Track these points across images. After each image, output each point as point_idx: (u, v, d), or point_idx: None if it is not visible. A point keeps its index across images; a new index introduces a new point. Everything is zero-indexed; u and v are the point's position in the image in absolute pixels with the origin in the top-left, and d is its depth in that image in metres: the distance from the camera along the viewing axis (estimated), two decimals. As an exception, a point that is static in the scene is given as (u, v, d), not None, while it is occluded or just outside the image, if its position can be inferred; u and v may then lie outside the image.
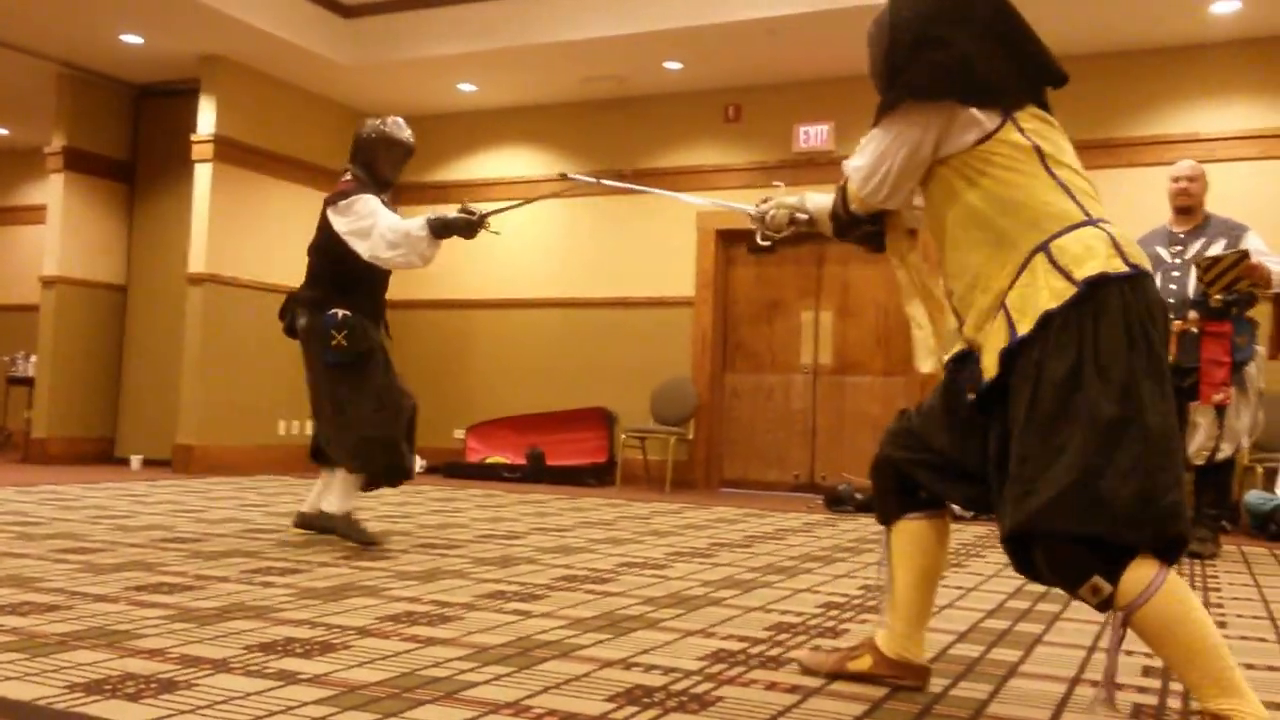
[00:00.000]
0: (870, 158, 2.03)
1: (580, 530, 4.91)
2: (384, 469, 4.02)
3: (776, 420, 8.05)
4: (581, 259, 8.69)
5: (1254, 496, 5.68)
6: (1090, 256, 1.78)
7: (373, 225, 4.02)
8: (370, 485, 4.15)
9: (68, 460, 8.34)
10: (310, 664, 2.21)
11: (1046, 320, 1.77)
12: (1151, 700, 2.18)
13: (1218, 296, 4.53)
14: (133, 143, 8.93)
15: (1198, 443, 4.61)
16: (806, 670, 2.32)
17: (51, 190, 8.56)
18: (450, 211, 4.13)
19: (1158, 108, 7.08)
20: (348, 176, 4.27)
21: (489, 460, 8.46)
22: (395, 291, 9.68)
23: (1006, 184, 1.88)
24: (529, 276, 8.87)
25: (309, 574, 3.37)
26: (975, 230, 1.91)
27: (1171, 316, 4.69)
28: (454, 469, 8.40)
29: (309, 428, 8.64)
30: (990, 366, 1.85)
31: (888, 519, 2.18)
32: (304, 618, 2.69)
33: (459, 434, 8.84)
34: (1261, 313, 4.78)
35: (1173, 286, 4.70)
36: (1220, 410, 4.58)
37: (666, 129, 8.46)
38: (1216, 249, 4.59)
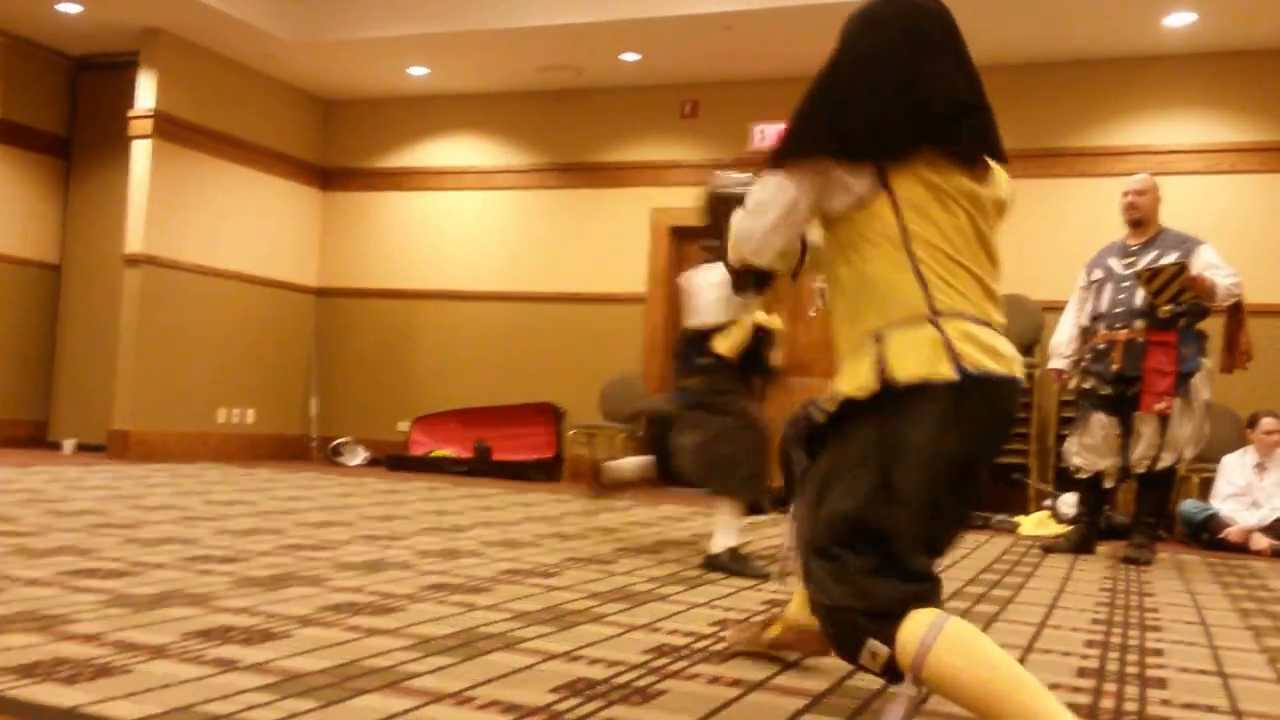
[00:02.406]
0: (743, 216, 1.92)
1: (526, 525, 4.90)
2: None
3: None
4: (533, 253, 8.64)
5: (1189, 505, 5.82)
6: (908, 356, 1.71)
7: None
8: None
9: (-2, 443, 8.12)
10: (250, 651, 2.18)
11: (850, 403, 1.74)
12: (1086, 700, 2.22)
13: (1166, 308, 4.63)
14: (70, 117, 8.69)
15: (1139, 451, 4.71)
16: (732, 646, 2.42)
17: (-15, 164, 8.32)
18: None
19: (1111, 119, 7.20)
20: None
21: (434, 453, 8.39)
22: (334, 279, 9.62)
23: (866, 259, 1.77)
24: (478, 268, 8.80)
25: (248, 562, 3.32)
26: (840, 300, 1.85)
27: (1118, 326, 4.80)
28: (397, 461, 8.32)
29: (249, 416, 8.64)
30: (819, 414, 1.82)
31: (789, 500, 2.20)
32: (244, 605, 2.65)
33: (403, 426, 8.75)
34: (1216, 325, 4.87)
35: (1122, 297, 4.80)
36: (1163, 420, 4.69)
37: (622, 122, 8.44)
38: (1167, 262, 4.68)
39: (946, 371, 1.68)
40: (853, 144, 1.75)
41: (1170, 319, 4.66)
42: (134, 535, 3.78)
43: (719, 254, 3.16)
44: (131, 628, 2.33)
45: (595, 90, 8.50)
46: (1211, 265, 4.67)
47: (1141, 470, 4.69)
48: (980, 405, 1.72)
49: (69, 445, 8.04)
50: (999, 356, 1.74)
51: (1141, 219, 4.92)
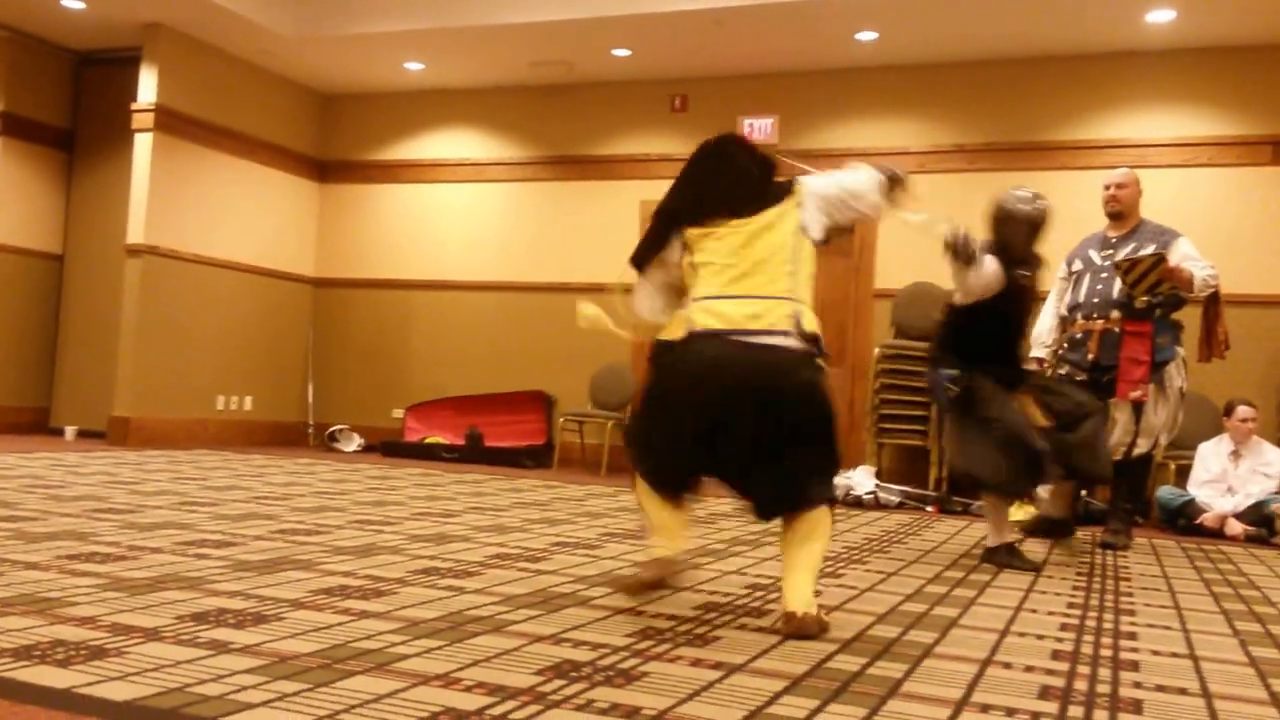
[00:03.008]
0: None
1: (516, 510, 4.96)
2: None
3: (714, 407, 8.15)
4: (525, 244, 8.70)
5: (1165, 492, 5.90)
6: (673, 326, 2.77)
7: None
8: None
9: (2, 429, 8.17)
10: (242, 634, 2.23)
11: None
12: (1059, 683, 2.28)
13: (1143, 298, 4.69)
14: (73, 110, 8.76)
15: (1114, 438, 4.77)
16: (618, 590, 2.88)
17: (-11, 156, 8.37)
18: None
19: (1092, 113, 7.28)
20: None
21: (427, 440, 8.46)
22: (331, 270, 9.68)
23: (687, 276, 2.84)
24: (470, 259, 8.86)
25: (243, 547, 3.38)
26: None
27: (1095, 316, 4.86)
28: (391, 448, 8.38)
29: (248, 403, 8.70)
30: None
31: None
32: (237, 589, 2.71)
33: (397, 413, 8.82)
34: (1191, 316, 4.94)
35: (1099, 287, 4.85)
36: (1138, 407, 4.75)
37: (613, 116, 8.49)
38: (1146, 253, 4.74)
39: (677, 334, 2.73)
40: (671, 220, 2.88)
41: (1147, 309, 4.72)
42: (132, 520, 3.84)
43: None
44: (127, 611, 2.39)
45: (587, 85, 8.54)
46: (1189, 257, 4.73)
47: (1118, 457, 4.76)
48: (698, 350, 2.65)
49: (70, 432, 8.11)
50: (723, 317, 2.66)
51: (1122, 211, 4.97)
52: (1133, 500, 4.99)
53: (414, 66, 8.50)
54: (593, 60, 8.05)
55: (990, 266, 3.87)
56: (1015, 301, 4.05)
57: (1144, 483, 5.15)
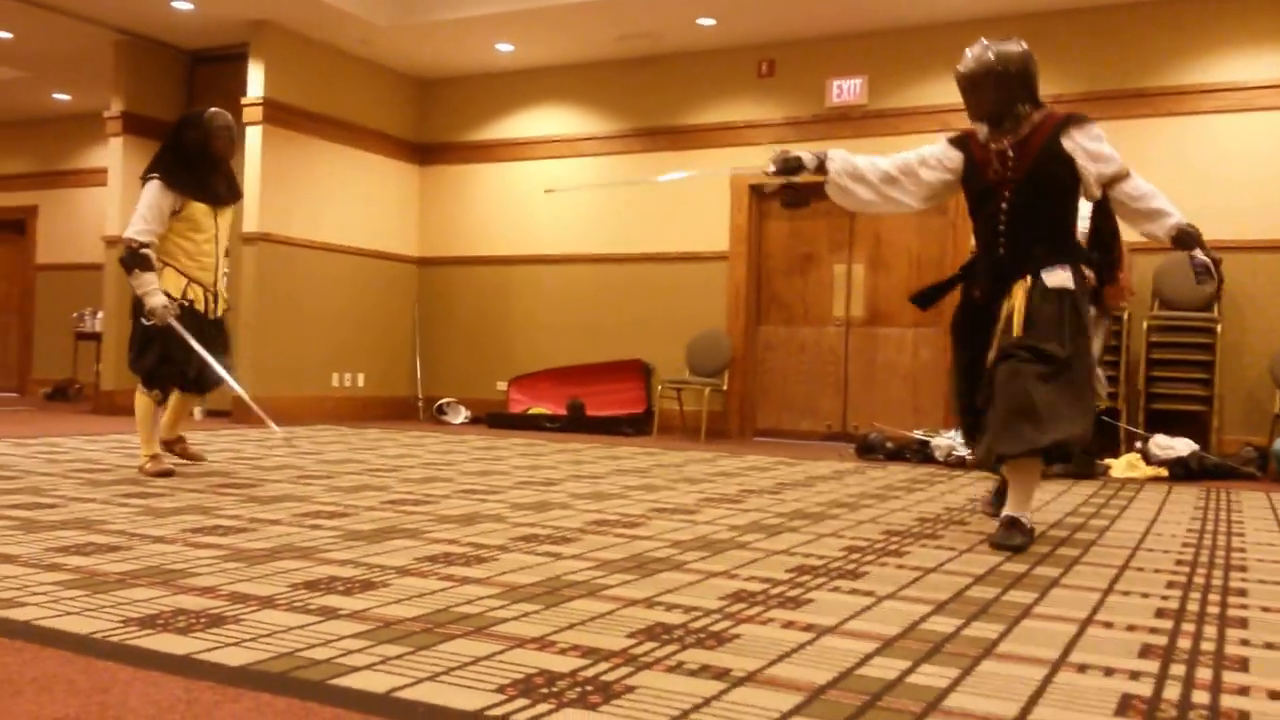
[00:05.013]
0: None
1: (615, 478, 5.04)
2: None
3: (809, 371, 8.12)
4: (617, 216, 8.76)
5: None
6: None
7: None
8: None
9: (134, 411, 8.62)
10: (350, 601, 2.34)
11: None
12: (1161, 641, 2.22)
13: None
14: (187, 107, 9.12)
15: None
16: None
17: (112, 153, 8.81)
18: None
19: (1194, 57, 6.95)
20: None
21: (531, 411, 8.62)
22: (434, 249, 9.91)
23: None
24: (566, 233, 8.96)
25: (355, 517, 3.52)
26: None
27: None
28: (497, 419, 8.57)
29: (360, 379, 9.00)
30: None
31: None
32: (347, 558, 2.83)
33: (501, 386, 9.01)
34: None
35: None
36: None
37: (700, 86, 8.46)
38: None
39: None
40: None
41: None
42: (253, 494, 4.03)
43: None
44: (245, 580, 2.53)
45: (673, 55, 8.52)
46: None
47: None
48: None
49: (198, 411, 8.52)
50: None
51: None
52: None
53: (504, 48, 8.61)
54: (678, 30, 8.02)
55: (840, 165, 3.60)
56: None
57: None
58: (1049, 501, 4.59)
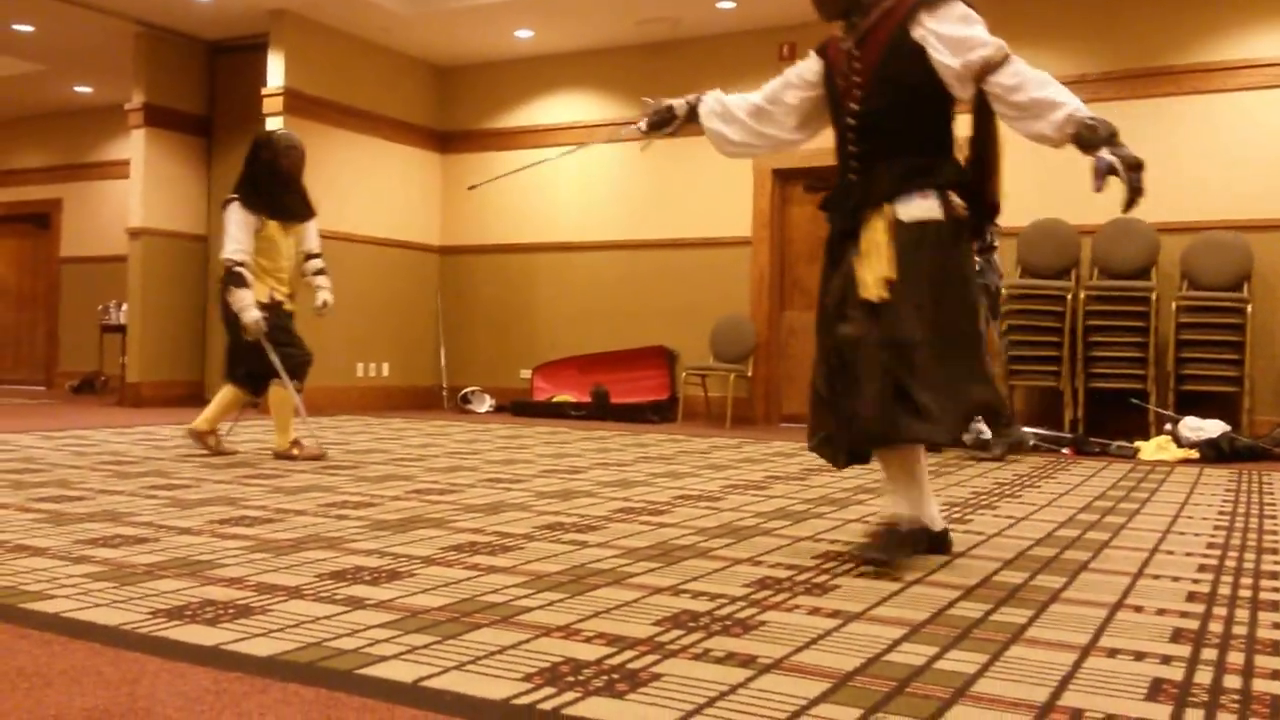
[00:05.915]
0: None
1: (640, 465, 5.04)
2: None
3: (836, 356, 8.08)
4: (639, 202, 8.74)
5: None
6: None
7: None
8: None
9: (160, 403, 8.73)
10: (377, 590, 2.35)
11: None
12: (1193, 625, 2.20)
13: None
14: (209, 97, 9.21)
15: None
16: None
17: (134, 145, 8.87)
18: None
19: (1224, 31, 6.82)
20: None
21: (555, 399, 8.63)
22: (456, 237, 9.90)
23: None
24: (589, 220, 8.95)
25: (381, 507, 3.54)
26: None
27: None
28: (521, 407, 8.58)
29: (385, 369, 9.04)
30: None
31: None
32: (373, 548, 2.84)
33: (525, 374, 9.02)
34: None
35: None
36: None
37: (720, 70, 8.39)
38: None
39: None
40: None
41: None
42: (279, 485, 4.06)
43: None
44: (272, 570, 2.54)
45: (693, 40, 8.48)
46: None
47: None
48: None
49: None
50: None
51: None
52: None
53: (524, 34, 8.59)
54: (698, 14, 7.98)
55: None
56: None
57: None
58: (1078, 484, 4.55)
